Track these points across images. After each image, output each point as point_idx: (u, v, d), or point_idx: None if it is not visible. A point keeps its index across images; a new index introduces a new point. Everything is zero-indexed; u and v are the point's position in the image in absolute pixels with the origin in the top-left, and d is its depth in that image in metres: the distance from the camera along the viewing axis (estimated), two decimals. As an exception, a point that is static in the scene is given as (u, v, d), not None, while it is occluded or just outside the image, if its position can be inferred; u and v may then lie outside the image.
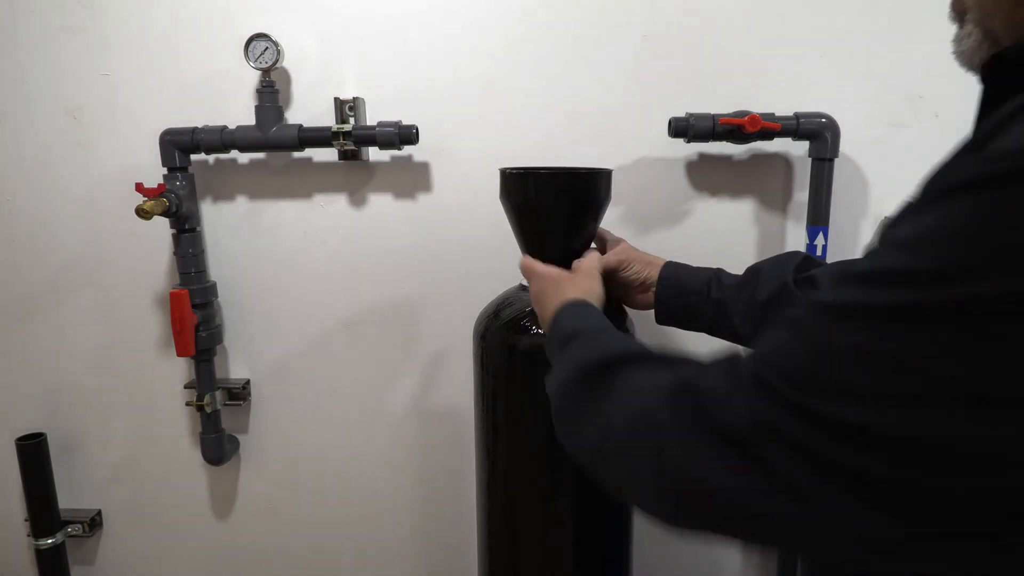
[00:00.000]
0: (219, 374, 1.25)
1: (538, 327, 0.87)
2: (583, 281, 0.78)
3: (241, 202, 1.21)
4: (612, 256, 0.88)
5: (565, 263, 0.83)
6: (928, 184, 0.35)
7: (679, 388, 0.43)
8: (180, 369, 1.27)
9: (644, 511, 0.46)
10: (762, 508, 0.37)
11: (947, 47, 0.51)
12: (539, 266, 0.81)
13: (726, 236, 1.15)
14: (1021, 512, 0.33)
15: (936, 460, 0.33)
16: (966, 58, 0.48)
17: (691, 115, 1.05)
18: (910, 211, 0.36)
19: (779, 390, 0.37)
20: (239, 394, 1.25)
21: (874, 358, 0.34)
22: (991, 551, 0.34)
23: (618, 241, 0.93)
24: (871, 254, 0.37)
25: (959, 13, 0.49)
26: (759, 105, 1.07)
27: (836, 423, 0.34)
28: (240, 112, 1.15)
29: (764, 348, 0.39)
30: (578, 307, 0.71)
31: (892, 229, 0.37)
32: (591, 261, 0.84)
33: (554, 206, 0.87)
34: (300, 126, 1.10)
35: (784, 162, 1.13)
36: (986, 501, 0.33)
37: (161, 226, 1.17)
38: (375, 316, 1.23)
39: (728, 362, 0.42)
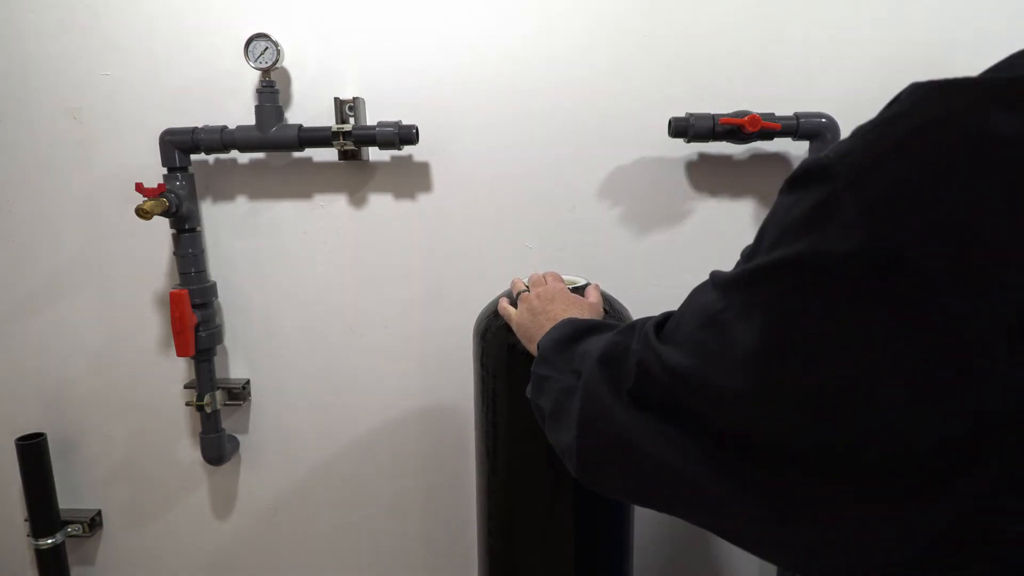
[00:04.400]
0: (219, 374, 1.25)
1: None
2: (591, 312, 0.81)
3: (241, 202, 1.21)
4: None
5: None
6: None
7: (608, 343, 0.52)
8: (180, 369, 1.27)
9: (567, 454, 0.53)
10: (639, 440, 0.45)
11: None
12: (563, 286, 0.85)
13: (726, 236, 1.15)
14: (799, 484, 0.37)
15: (732, 411, 0.39)
16: None
17: (691, 115, 1.05)
18: None
19: (651, 341, 0.46)
20: (239, 394, 1.25)
21: (706, 317, 0.41)
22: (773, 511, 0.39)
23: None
24: None
25: None
26: (759, 105, 1.07)
27: (675, 369, 0.42)
28: (240, 112, 1.15)
29: (666, 316, 0.49)
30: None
31: None
32: (598, 297, 0.87)
33: None
34: (300, 126, 1.10)
35: (784, 162, 1.13)
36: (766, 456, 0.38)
37: (161, 226, 1.17)
38: (375, 316, 1.23)
39: (638, 324, 0.51)
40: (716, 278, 0.43)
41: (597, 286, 0.91)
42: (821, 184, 0.35)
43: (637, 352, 0.47)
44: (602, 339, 0.56)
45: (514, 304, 0.86)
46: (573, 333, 0.64)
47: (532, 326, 0.77)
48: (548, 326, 0.72)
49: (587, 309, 0.80)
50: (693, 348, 0.42)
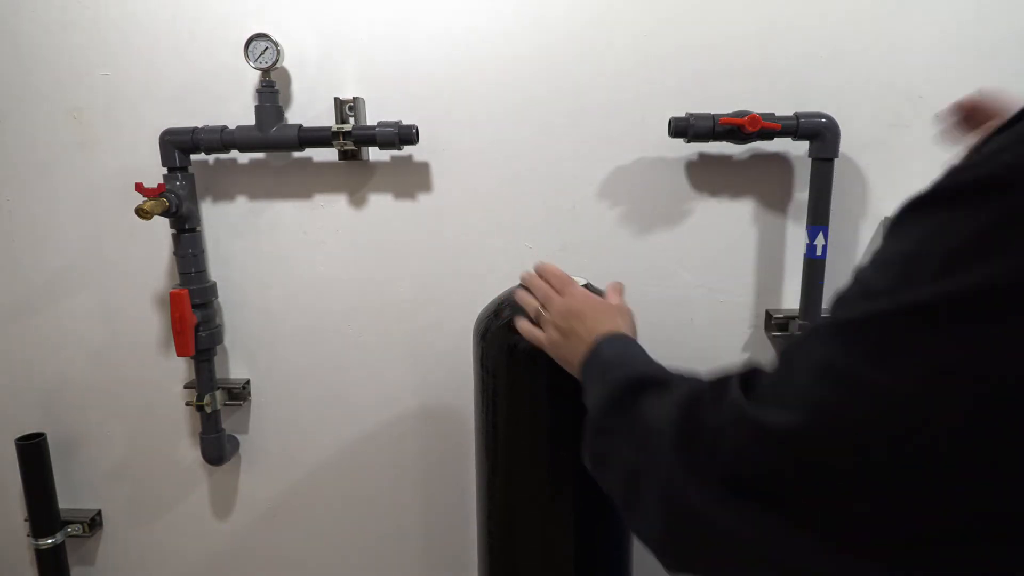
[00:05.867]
0: (219, 374, 1.25)
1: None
2: (622, 318, 0.78)
3: (241, 202, 1.21)
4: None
5: None
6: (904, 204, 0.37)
7: (678, 421, 0.45)
8: (180, 369, 1.27)
9: (654, 546, 0.47)
10: (742, 534, 0.38)
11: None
12: (580, 288, 0.82)
13: (726, 236, 1.15)
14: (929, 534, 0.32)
15: (856, 474, 0.33)
16: None
17: (691, 115, 1.05)
18: (888, 230, 0.37)
19: (745, 412, 0.38)
20: (239, 394, 1.25)
21: (823, 370, 0.35)
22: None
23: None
24: (856, 273, 0.38)
25: None
26: (759, 105, 1.07)
27: (785, 436, 0.36)
28: (240, 112, 1.14)
29: (752, 373, 0.42)
30: (618, 338, 0.71)
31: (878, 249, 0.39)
32: (620, 298, 0.84)
33: None
34: (300, 126, 1.10)
35: (784, 162, 1.13)
36: (899, 528, 0.33)
37: (161, 226, 1.17)
38: (375, 316, 1.23)
39: (707, 388, 0.44)
40: (838, 321, 0.36)
41: (617, 286, 0.87)
42: (996, 200, 0.30)
43: (725, 431, 0.40)
44: (664, 405, 0.49)
45: (532, 322, 0.83)
46: (623, 394, 0.57)
47: (565, 348, 0.76)
48: (582, 348, 0.71)
49: (614, 314, 0.77)
50: (811, 406, 0.35)
